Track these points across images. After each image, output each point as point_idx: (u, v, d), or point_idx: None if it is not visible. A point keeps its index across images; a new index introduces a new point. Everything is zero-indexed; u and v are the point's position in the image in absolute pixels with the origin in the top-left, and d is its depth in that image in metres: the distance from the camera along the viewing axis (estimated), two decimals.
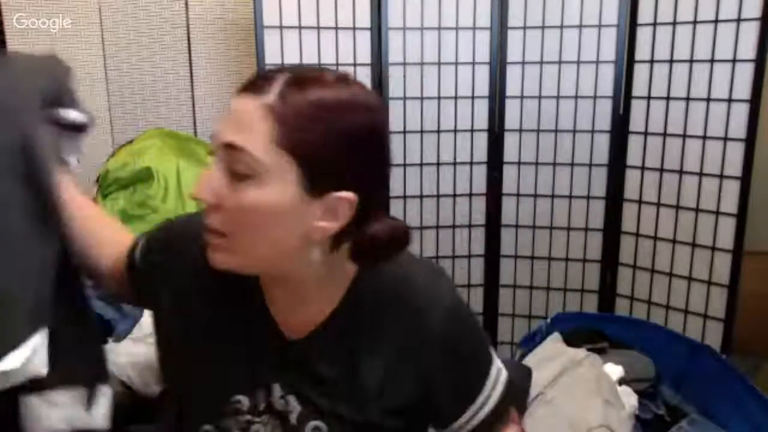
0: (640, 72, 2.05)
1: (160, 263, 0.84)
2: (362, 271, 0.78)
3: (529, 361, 1.71)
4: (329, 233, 0.71)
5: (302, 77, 0.68)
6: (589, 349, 1.73)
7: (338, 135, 0.67)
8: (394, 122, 2.13)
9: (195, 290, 0.81)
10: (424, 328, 0.77)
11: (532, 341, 1.89)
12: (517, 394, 0.87)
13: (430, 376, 0.78)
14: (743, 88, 1.86)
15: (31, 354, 0.69)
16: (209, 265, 0.72)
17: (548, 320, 1.96)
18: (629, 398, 1.63)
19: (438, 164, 2.20)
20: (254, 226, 0.68)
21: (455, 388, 0.81)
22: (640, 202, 2.12)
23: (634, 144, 2.11)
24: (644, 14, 2.01)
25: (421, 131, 2.17)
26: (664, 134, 2.03)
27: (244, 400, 0.78)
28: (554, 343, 1.79)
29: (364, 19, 2.05)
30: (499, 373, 0.84)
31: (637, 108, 2.08)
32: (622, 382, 1.69)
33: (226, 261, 0.71)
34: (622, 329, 1.93)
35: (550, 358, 1.70)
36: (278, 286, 0.78)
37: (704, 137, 1.95)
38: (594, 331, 1.89)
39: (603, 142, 2.14)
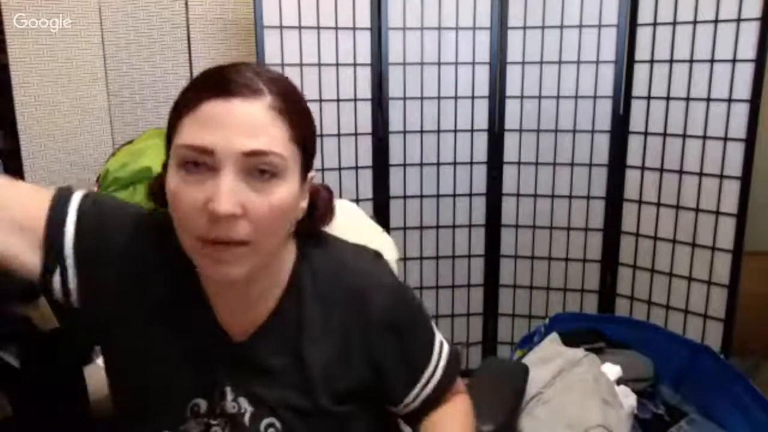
0: (640, 72, 2.05)
1: (96, 252, 0.77)
2: (300, 261, 0.79)
3: (527, 361, 1.71)
4: (303, 213, 0.76)
5: (268, 73, 0.71)
6: (587, 349, 1.73)
7: (311, 121, 0.75)
8: (394, 122, 2.13)
9: (140, 295, 0.78)
10: (367, 311, 0.78)
11: (530, 341, 1.89)
12: (458, 364, 0.90)
13: (377, 358, 0.79)
14: (743, 88, 1.86)
15: None
16: (153, 269, 0.75)
17: (547, 321, 1.96)
18: (628, 398, 1.63)
19: (438, 164, 2.20)
20: (279, 223, 0.70)
21: (402, 367, 0.82)
22: (640, 202, 2.12)
23: (634, 144, 2.11)
24: (644, 14, 2.01)
25: (421, 131, 2.16)
26: (664, 134, 2.03)
27: (202, 404, 0.78)
28: (552, 343, 1.79)
29: (364, 19, 2.05)
30: (441, 348, 0.87)
31: (637, 108, 2.08)
32: (620, 381, 1.69)
33: (244, 270, 0.69)
34: (620, 330, 1.93)
35: (548, 358, 1.70)
36: (224, 289, 0.77)
37: (704, 137, 1.95)
38: (592, 331, 1.89)
39: (603, 142, 2.14)
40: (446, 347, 0.88)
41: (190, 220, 0.67)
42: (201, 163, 0.66)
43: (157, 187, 0.75)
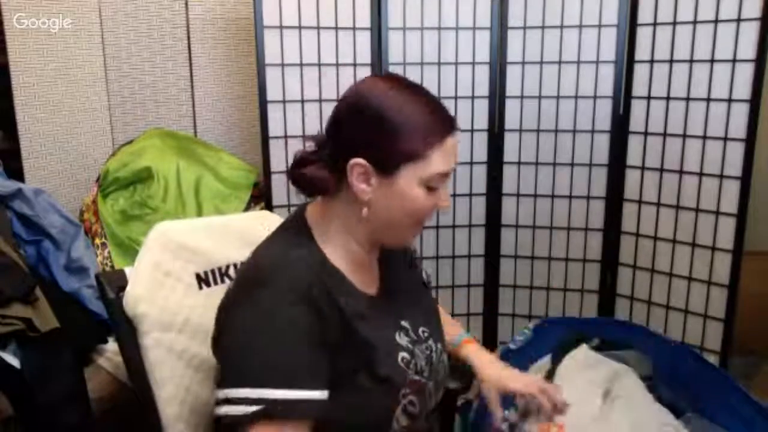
0: (640, 72, 2.05)
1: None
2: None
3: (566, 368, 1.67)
4: None
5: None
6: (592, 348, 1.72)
7: None
8: None
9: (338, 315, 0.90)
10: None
11: (512, 349, 1.84)
12: None
13: None
14: (743, 88, 1.86)
15: None
16: (320, 285, 0.88)
17: (531, 326, 1.89)
18: None
19: None
20: None
21: None
22: (640, 202, 2.12)
23: (634, 144, 2.11)
24: (644, 14, 2.01)
25: None
26: (664, 134, 2.03)
27: (407, 355, 0.95)
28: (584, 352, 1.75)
29: (364, 19, 2.05)
30: None
31: (637, 108, 2.08)
32: None
33: None
34: (609, 331, 1.91)
35: (587, 366, 1.67)
36: (364, 262, 0.99)
37: (704, 137, 1.95)
38: (584, 334, 1.87)
39: (603, 142, 2.14)
40: None
41: (422, 216, 0.93)
42: (440, 181, 0.91)
43: (314, 173, 0.93)
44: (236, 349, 0.85)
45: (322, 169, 0.92)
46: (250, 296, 0.86)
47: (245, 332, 0.84)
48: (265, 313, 0.84)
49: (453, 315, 2.29)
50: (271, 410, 0.80)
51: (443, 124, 0.90)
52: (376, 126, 0.88)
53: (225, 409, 0.82)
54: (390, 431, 0.91)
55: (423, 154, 0.88)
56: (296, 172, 0.94)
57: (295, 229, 0.97)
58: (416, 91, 0.93)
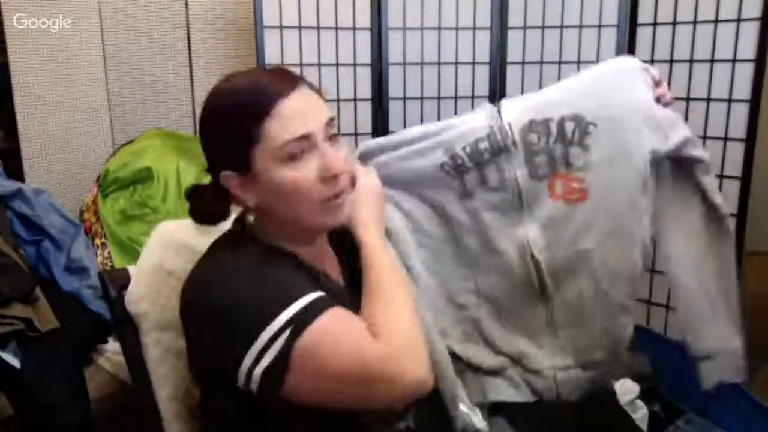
0: None
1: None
2: None
3: None
4: None
5: (284, 67, 0.91)
6: None
7: None
8: (394, 122, 2.13)
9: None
10: None
11: None
12: None
13: None
14: (743, 88, 1.85)
15: None
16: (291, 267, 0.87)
17: None
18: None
19: None
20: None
21: None
22: None
23: None
24: (644, 14, 2.01)
25: None
26: None
27: None
28: None
29: (364, 19, 2.05)
30: None
31: None
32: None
33: (349, 211, 0.90)
34: None
35: None
36: (319, 242, 0.96)
37: (704, 137, 1.95)
38: None
39: None
40: None
41: (312, 193, 0.83)
42: (300, 150, 0.82)
43: (206, 204, 0.90)
44: (220, 322, 0.80)
45: (210, 196, 0.89)
46: (220, 280, 0.83)
47: (223, 303, 0.81)
48: (232, 274, 0.84)
49: None
50: (300, 319, 0.78)
51: (270, 94, 0.82)
52: (213, 128, 0.86)
53: (261, 366, 0.77)
54: (370, 414, 0.91)
55: (257, 134, 0.81)
56: (190, 207, 0.91)
57: (232, 236, 0.92)
58: (247, 74, 0.87)
